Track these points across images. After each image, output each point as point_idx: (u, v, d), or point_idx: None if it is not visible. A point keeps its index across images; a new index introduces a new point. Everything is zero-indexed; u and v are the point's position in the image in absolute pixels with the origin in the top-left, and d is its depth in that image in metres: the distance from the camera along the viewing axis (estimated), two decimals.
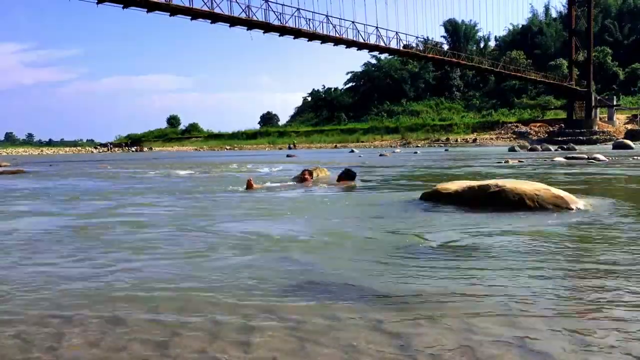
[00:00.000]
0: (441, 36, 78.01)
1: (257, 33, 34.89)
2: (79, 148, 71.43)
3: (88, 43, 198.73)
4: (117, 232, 3.80)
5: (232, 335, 1.75)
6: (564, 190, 4.76)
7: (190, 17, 31.63)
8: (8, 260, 2.96)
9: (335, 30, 37.43)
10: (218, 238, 3.48)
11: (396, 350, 1.59)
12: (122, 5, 28.96)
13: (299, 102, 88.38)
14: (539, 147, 27.39)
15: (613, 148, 25.91)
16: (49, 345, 1.69)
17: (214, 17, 31.97)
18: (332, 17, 37.11)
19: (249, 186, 7.05)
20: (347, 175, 7.76)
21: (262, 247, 3.15)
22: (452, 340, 1.65)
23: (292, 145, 55.37)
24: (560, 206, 4.36)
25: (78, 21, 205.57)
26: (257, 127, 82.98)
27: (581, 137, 45.42)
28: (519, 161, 14.58)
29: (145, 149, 64.10)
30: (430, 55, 46.62)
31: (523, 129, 55.36)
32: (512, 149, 26.96)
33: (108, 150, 62.73)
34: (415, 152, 29.66)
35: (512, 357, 1.53)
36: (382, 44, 41.05)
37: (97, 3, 28.53)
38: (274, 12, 34.06)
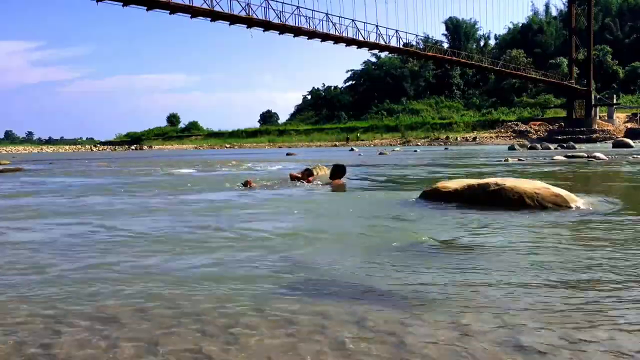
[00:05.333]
0: (442, 34, 78.12)
1: (257, 31, 34.91)
2: (79, 146, 71.43)
3: (94, 43, 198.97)
4: (106, 227, 3.78)
5: (226, 333, 1.73)
6: (564, 188, 4.74)
7: (190, 15, 31.64)
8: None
9: (335, 28, 37.48)
10: (211, 236, 3.46)
11: (391, 349, 1.58)
12: (121, 4, 28.95)
13: (299, 101, 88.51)
14: (538, 145, 27.33)
15: (613, 147, 25.89)
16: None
17: (214, 15, 31.97)
18: (332, 15, 37.16)
19: (247, 184, 7.03)
20: (337, 170, 7.65)
21: (257, 245, 3.13)
22: (447, 339, 1.63)
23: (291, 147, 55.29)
24: (560, 205, 4.34)
25: (83, 21, 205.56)
26: (257, 125, 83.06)
27: (581, 136, 45.41)
28: (519, 160, 14.56)
29: (145, 147, 64.08)
30: (430, 53, 46.61)
31: (523, 127, 55.33)
32: (511, 148, 26.93)
33: (113, 149, 62.62)
34: (415, 151, 29.66)
35: (508, 357, 1.51)
36: (381, 42, 41.07)
37: (97, 1, 28.51)
38: (273, 10, 34.09)
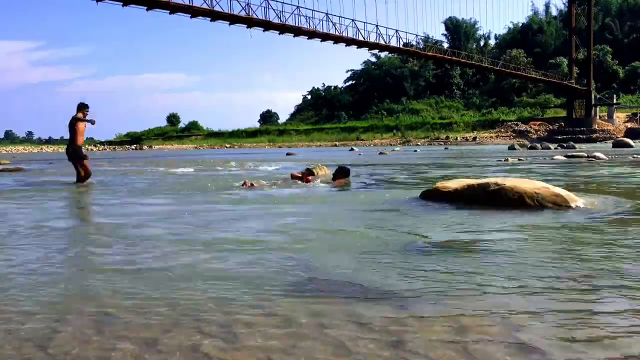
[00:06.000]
0: (441, 34, 78.12)
1: (257, 31, 34.93)
2: None
3: (94, 43, 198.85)
4: (106, 228, 3.78)
5: (225, 332, 1.73)
6: (564, 188, 4.74)
7: (190, 15, 31.65)
8: None
9: (335, 28, 37.53)
10: (211, 235, 3.46)
11: (390, 349, 1.57)
12: (121, 4, 28.96)
13: (299, 101, 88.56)
14: (538, 145, 27.34)
15: (613, 146, 25.89)
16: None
17: (214, 15, 31.98)
18: (332, 15, 37.18)
19: (246, 185, 7.04)
20: (341, 172, 7.70)
21: (255, 245, 3.12)
22: (446, 340, 1.63)
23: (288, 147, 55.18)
24: (560, 204, 4.34)
25: (83, 21, 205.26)
26: (257, 125, 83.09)
27: (581, 136, 45.42)
28: (519, 159, 14.56)
29: (145, 147, 64.08)
30: (430, 53, 46.65)
31: (523, 127, 55.35)
32: (512, 148, 26.94)
33: (113, 149, 62.57)
34: (415, 151, 29.65)
35: (507, 357, 1.51)
36: (381, 42, 41.10)
37: (97, 1, 28.51)
38: (273, 10, 34.12)
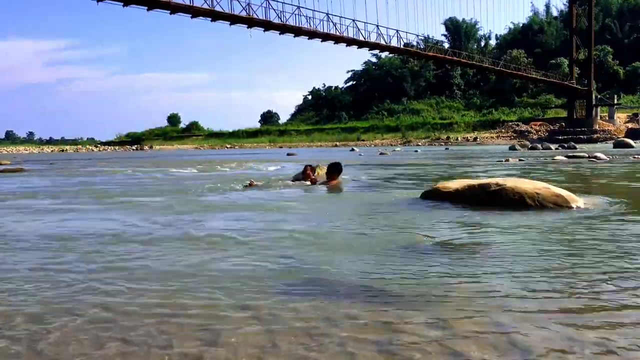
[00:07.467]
0: (442, 35, 78.00)
1: (257, 31, 34.92)
2: (79, 146, 71.44)
3: (94, 43, 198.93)
4: (108, 232, 3.78)
5: (218, 332, 1.73)
6: (565, 189, 4.74)
7: (190, 15, 31.64)
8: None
9: (336, 28, 37.50)
10: (214, 235, 3.46)
11: (386, 349, 1.57)
12: (122, 4, 28.98)
13: (300, 101, 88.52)
14: (539, 145, 27.34)
15: (614, 147, 25.87)
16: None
17: (215, 15, 31.98)
18: (332, 15, 37.18)
19: (250, 185, 7.04)
20: (334, 169, 7.46)
21: (257, 245, 3.12)
22: (444, 339, 1.63)
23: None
24: (561, 205, 4.34)
25: (83, 21, 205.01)
26: (258, 125, 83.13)
27: (582, 136, 45.37)
28: (520, 160, 14.55)
29: (146, 147, 64.09)
30: (430, 53, 46.61)
31: (524, 127, 55.32)
32: (512, 148, 26.92)
33: (114, 149, 62.60)
34: (416, 151, 29.64)
35: (505, 357, 1.51)
36: (382, 42, 41.07)
37: (98, 1, 28.54)
38: (274, 10, 34.12)
